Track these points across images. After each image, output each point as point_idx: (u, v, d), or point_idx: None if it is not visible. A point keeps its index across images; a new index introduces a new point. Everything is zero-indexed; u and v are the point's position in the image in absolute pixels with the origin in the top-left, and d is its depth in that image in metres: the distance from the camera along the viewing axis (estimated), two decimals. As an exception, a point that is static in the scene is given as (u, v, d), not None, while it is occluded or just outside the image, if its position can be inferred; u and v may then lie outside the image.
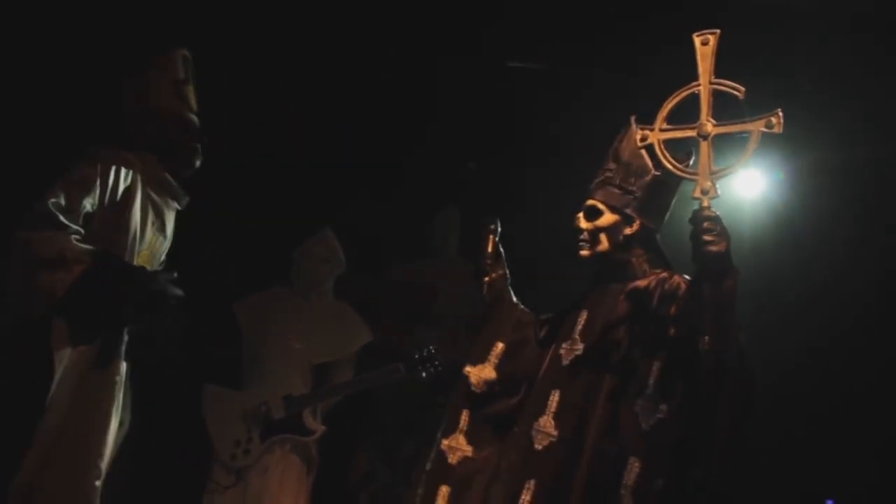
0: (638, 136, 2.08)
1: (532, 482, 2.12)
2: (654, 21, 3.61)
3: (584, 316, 2.27)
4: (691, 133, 1.99)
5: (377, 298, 4.18)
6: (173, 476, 3.86)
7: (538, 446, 2.16)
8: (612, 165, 2.27)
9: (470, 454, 2.28)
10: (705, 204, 1.93)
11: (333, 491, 3.92)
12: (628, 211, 2.25)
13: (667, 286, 2.16)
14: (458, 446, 2.30)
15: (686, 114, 2.05)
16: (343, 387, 3.63)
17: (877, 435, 3.92)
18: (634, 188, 2.24)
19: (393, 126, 4.56)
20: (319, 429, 3.58)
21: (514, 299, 2.48)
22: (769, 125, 1.92)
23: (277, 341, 3.68)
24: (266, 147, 4.21)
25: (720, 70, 2.00)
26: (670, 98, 2.05)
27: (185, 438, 3.71)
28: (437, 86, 4.38)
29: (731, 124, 1.96)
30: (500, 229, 2.49)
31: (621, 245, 2.26)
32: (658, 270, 2.24)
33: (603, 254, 2.27)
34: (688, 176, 2.00)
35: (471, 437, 2.31)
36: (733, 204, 4.11)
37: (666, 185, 2.25)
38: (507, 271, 2.50)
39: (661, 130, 2.05)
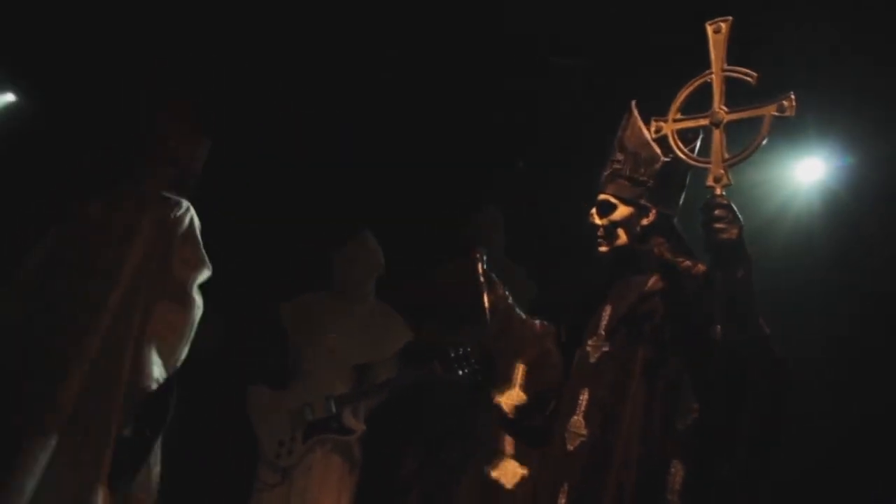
0: (652, 128, 2.05)
1: (566, 485, 2.07)
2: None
3: (607, 311, 2.21)
4: (704, 122, 1.97)
5: (419, 299, 4.17)
6: (224, 475, 3.97)
7: (570, 447, 2.11)
8: (619, 156, 2.21)
9: (526, 474, 2.26)
10: (717, 192, 1.89)
11: (381, 491, 3.94)
12: (642, 201, 2.19)
13: (693, 274, 2.09)
14: (512, 470, 2.28)
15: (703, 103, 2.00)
16: (382, 386, 3.64)
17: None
18: (645, 177, 2.18)
19: (432, 125, 4.57)
20: (360, 428, 3.61)
21: (524, 315, 2.42)
22: (781, 109, 1.88)
23: (320, 342, 3.72)
24: (306, 149, 4.28)
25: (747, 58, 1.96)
26: (683, 88, 2.02)
27: (235, 438, 3.80)
28: (476, 83, 4.36)
29: (743, 110, 1.92)
30: (485, 257, 2.45)
31: (640, 236, 2.20)
32: (681, 259, 2.17)
33: (622, 248, 2.21)
34: (700, 164, 1.96)
35: (521, 459, 2.29)
36: (791, 190, 4.02)
37: (677, 169, 2.19)
38: (507, 292, 2.44)
39: (675, 121, 2.02)
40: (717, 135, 1.92)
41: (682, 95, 2.02)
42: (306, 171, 4.51)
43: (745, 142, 1.95)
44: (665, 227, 2.22)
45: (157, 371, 2.57)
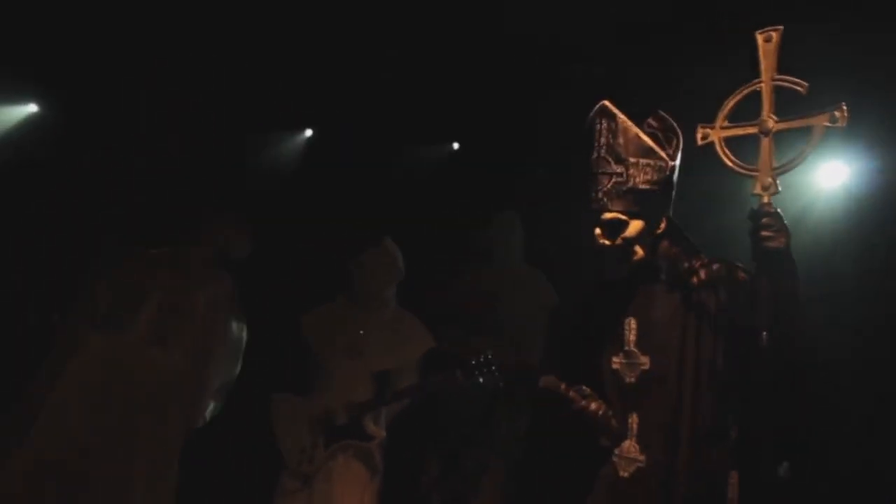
0: (699, 135, 1.98)
1: None
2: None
3: (632, 324, 2.11)
4: (752, 130, 1.93)
5: (441, 306, 4.15)
6: (247, 482, 3.97)
7: (624, 473, 2.05)
8: (617, 168, 2.05)
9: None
10: (765, 200, 1.87)
11: (402, 498, 3.92)
12: (654, 210, 2.10)
13: (722, 275, 2.05)
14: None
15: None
16: (403, 393, 3.61)
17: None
18: (656, 186, 2.07)
19: (451, 128, 4.57)
20: (380, 434, 3.58)
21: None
22: (833, 120, 1.86)
23: (341, 350, 3.69)
24: (322, 154, 4.29)
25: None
26: (732, 95, 1.98)
27: (257, 445, 3.79)
28: (496, 87, 4.35)
29: (793, 120, 1.90)
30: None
31: (653, 247, 2.13)
32: (694, 259, 2.12)
33: (639, 262, 2.11)
34: (748, 173, 1.92)
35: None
36: (814, 194, 3.97)
37: (675, 170, 2.13)
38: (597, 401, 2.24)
39: (722, 128, 1.96)
40: (765, 143, 1.90)
41: (731, 103, 1.97)
42: (322, 177, 4.52)
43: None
44: (673, 230, 2.15)
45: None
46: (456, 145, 5.11)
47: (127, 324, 3.06)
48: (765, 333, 1.83)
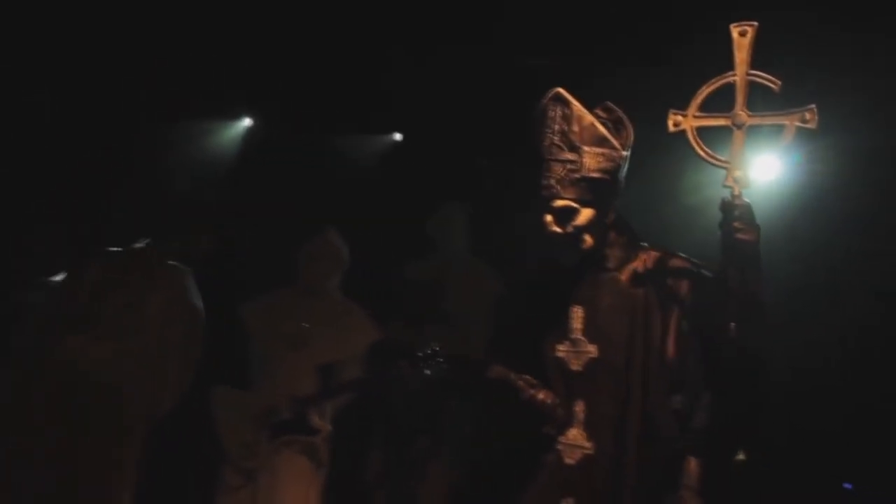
0: (671, 122, 1.96)
1: (570, 500, 2.02)
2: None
3: (579, 312, 2.10)
4: (725, 122, 1.92)
5: (386, 297, 4.10)
6: (187, 477, 3.86)
7: (570, 460, 2.05)
8: (570, 156, 2.02)
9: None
10: (736, 193, 1.86)
11: (348, 491, 3.87)
12: (606, 199, 2.09)
13: (670, 268, 2.06)
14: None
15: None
16: (348, 386, 3.56)
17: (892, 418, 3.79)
18: (607, 176, 2.06)
19: (395, 120, 4.52)
20: (325, 428, 3.52)
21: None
22: (804, 120, 1.87)
23: (283, 342, 3.61)
24: (260, 145, 4.21)
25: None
26: (705, 86, 1.96)
27: (199, 439, 3.69)
28: (442, 79, 4.32)
29: (767, 116, 1.91)
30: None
31: (604, 236, 2.11)
32: (638, 250, 2.13)
33: (588, 251, 2.09)
34: (720, 164, 1.91)
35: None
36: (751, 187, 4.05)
37: (626, 161, 2.12)
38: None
39: (695, 117, 1.94)
40: (738, 136, 1.89)
41: (705, 93, 1.95)
42: (262, 166, 4.43)
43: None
44: (620, 220, 2.15)
45: None
46: (399, 136, 5.06)
47: (88, 323, 3.10)
48: (733, 325, 1.84)
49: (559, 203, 2.05)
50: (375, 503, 3.97)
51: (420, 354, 3.32)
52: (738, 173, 1.87)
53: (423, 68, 4.30)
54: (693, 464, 1.94)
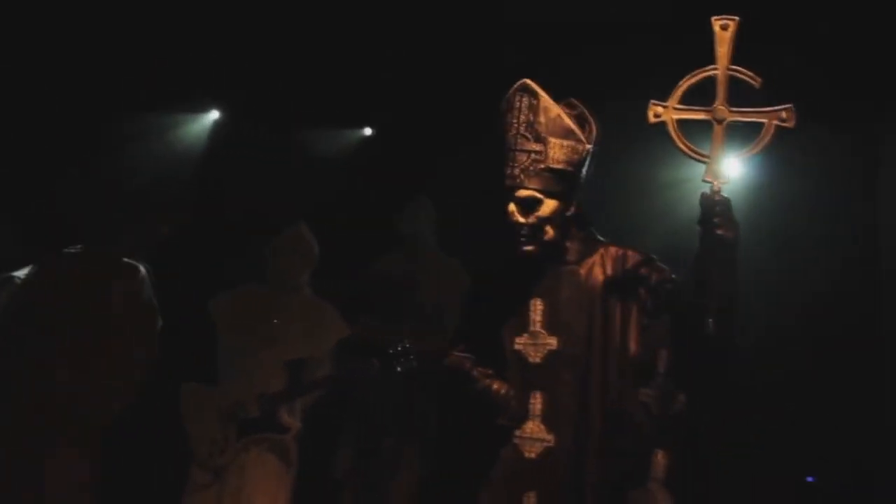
0: (651, 112, 1.92)
1: (532, 494, 1.99)
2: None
3: (538, 305, 2.08)
4: (705, 116, 1.90)
5: (354, 293, 4.06)
6: (154, 475, 3.80)
7: (530, 454, 2.02)
8: (535, 146, 2.01)
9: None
10: (716, 188, 1.84)
11: (317, 489, 3.83)
12: (569, 192, 2.07)
13: (629, 264, 2.05)
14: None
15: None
16: (318, 384, 3.52)
17: (852, 413, 3.86)
18: (571, 167, 2.05)
19: (367, 116, 4.48)
20: (295, 426, 3.46)
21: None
22: (782, 119, 1.86)
23: (252, 338, 3.54)
24: (229, 138, 4.14)
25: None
26: (687, 77, 1.93)
27: (166, 437, 3.63)
28: (411, 73, 4.29)
29: (747, 112, 1.89)
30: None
31: (565, 229, 2.09)
32: (598, 245, 2.12)
33: (549, 243, 2.07)
34: (700, 158, 1.89)
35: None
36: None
37: (589, 155, 2.10)
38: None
39: (675, 109, 1.91)
40: (718, 130, 1.87)
41: (685, 85, 1.92)
42: (231, 160, 4.36)
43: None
44: (582, 215, 2.13)
45: None
46: (369, 131, 5.01)
47: (50, 324, 3.12)
48: (712, 322, 1.83)
49: (523, 193, 2.03)
50: (345, 501, 3.95)
51: (391, 351, 3.30)
52: (719, 168, 1.85)
53: (391, 62, 4.26)
54: (661, 456, 1.95)
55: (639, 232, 3.93)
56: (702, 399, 1.95)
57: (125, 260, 3.28)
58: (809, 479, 3.95)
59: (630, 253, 2.09)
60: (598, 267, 2.07)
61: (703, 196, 1.84)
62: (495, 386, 2.12)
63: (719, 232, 1.80)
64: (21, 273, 3.74)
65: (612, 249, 2.10)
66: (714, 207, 1.82)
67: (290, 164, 4.64)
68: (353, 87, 4.48)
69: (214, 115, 4.88)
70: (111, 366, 3.11)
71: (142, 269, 3.29)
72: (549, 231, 2.05)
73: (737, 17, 1.89)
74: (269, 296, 3.66)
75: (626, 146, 3.64)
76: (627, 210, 4.10)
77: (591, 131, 2.09)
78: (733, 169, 4.08)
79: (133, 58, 4.11)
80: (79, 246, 3.31)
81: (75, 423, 3.07)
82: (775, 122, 1.86)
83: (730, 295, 1.83)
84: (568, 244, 2.10)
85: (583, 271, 2.08)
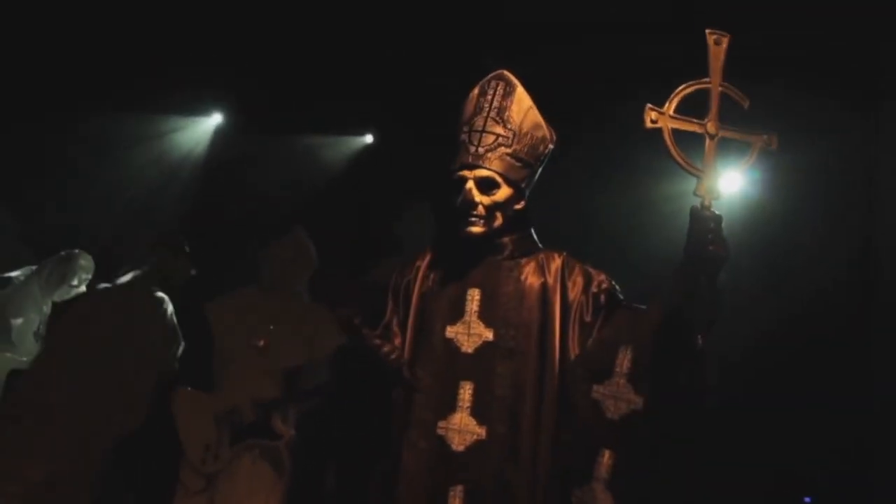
0: (648, 117, 1.85)
1: (459, 488, 1.87)
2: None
3: (475, 294, 1.98)
4: (698, 129, 1.86)
5: (353, 298, 3.98)
6: (144, 478, 3.72)
7: (458, 447, 1.89)
8: (498, 129, 1.96)
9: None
10: (707, 203, 1.79)
11: (310, 498, 3.75)
12: (523, 185, 2.01)
13: (573, 269, 2.01)
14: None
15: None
16: (313, 391, 3.44)
17: (848, 433, 3.79)
18: (531, 160, 2.00)
19: (365, 121, 4.41)
20: (288, 433, 3.38)
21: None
22: (766, 143, 1.88)
23: (248, 344, 3.47)
24: (231, 143, 4.09)
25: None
26: (683, 87, 1.88)
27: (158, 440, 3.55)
28: (412, 80, 4.24)
29: (736, 131, 1.88)
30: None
31: (510, 222, 2.01)
32: (537, 248, 2.06)
33: (497, 231, 2.00)
34: (693, 172, 1.84)
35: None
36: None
37: (548, 155, 2.05)
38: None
39: (671, 117, 1.86)
40: (711, 145, 1.84)
41: (682, 93, 1.88)
42: (231, 164, 4.31)
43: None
44: (526, 214, 2.06)
45: None
46: (369, 138, 4.95)
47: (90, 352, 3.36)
48: (699, 336, 1.79)
49: (483, 172, 1.96)
50: (337, 510, 3.87)
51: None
52: (711, 182, 1.81)
53: (393, 70, 4.21)
54: (607, 456, 1.85)
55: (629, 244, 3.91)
56: (665, 407, 1.86)
57: (154, 292, 3.54)
58: (807, 499, 3.87)
59: (571, 259, 2.04)
60: (538, 269, 2.01)
61: (694, 210, 1.80)
62: (386, 348, 1.98)
63: (711, 248, 1.75)
64: (19, 273, 3.71)
65: (553, 254, 2.05)
66: (707, 223, 1.77)
67: (290, 168, 4.58)
68: (355, 93, 4.42)
69: (217, 118, 4.82)
70: (137, 387, 3.36)
71: (166, 299, 3.54)
72: (499, 218, 1.99)
73: (728, 35, 1.88)
74: (266, 301, 3.59)
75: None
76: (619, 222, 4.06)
77: (553, 137, 2.06)
78: (727, 185, 4.08)
79: (136, 61, 4.05)
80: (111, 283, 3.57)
81: (87, 445, 3.27)
82: (760, 145, 1.87)
83: (715, 311, 1.80)
84: (506, 239, 2.03)
85: (521, 267, 2.01)
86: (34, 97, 4.08)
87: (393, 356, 1.97)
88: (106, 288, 3.60)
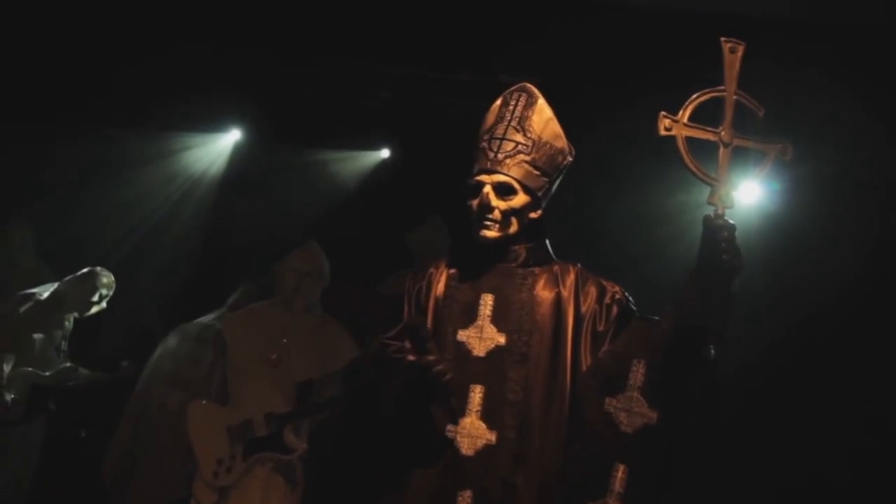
0: (661, 124, 1.81)
1: (467, 492, 1.82)
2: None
3: (488, 300, 1.94)
4: (712, 137, 1.81)
5: (367, 312, 3.94)
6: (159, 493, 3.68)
7: (467, 451, 1.84)
8: (518, 137, 1.94)
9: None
10: (720, 212, 1.75)
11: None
12: (540, 195, 1.98)
13: (586, 281, 1.97)
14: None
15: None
16: (326, 404, 3.39)
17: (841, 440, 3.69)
18: (549, 170, 1.98)
19: (380, 136, 4.39)
20: (301, 447, 3.34)
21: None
22: (782, 153, 1.85)
23: (261, 357, 3.44)
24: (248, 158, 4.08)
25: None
26: (698, 94, 1.84)
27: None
28: (426, 95, 4.22)
29: (751, 140, 1.84)
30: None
31: (524, 231, 1.98)
32: (549, 258, 2.03)
33: (512, 237, 1.97)
34: (707, 180, 1.79)
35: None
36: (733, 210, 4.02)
37: (566, 168, 2.03)
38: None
39: (685, 126, 1.81)
40: (725, 154, 1.80)
41: (696, 101, 1.83)
42: (249, 179, 4.30)
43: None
44: (541, 224, 2.03)
45: None
46: (385, 152, 4.93)
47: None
48: (712, 349, 1.75)
49: (500, 178, 1.93)
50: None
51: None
52: (725, 192, 1.77)
53: (408, 85, 4.19)
54: (621, 470, 1.80)
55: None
56: (679, 420, 1.81)
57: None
58: None
59: (585, 272, 2.01)
60: (552, 280, 1.98)
61: (707, 219, 1.75)
62: (441, 367, 1.84)
63: (724, 257, 1.71)
64: (41, 289, 3.72)
65: (568, 266, 2.02)
66: (720, 232, 1.72)
67: (306, 183, 4.57)
68: (370, 108, 4.41)
69: (236, 135, 4.82)
70: None
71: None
72: (514, 224, 1.96)
73: (743, 43, 1.84)
74: (280, 314, 3.56)
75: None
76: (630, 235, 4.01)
77: (571, 151, 2.05)
78: (743, 195, 4.01)
79: (151, 77, 4.05)
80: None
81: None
82: (776, 155, 1.83)
83: (727, 322, 1.76)
84: (521, 246, 2.00)
85: (537, 278, 1.98)
86: (49, 113, 4.09)
87: (446, 377, 1.85)
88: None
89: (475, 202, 1.95)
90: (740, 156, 1.87)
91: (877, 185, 3.86)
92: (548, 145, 1.97)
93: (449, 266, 2.05)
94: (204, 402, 3.46)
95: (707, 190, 1.80)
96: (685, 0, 3.19)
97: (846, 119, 3.64)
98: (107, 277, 3.89)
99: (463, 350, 1.92)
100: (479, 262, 2.00)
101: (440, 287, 2.01)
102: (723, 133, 1.80)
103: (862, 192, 3.94)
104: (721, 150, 1.81)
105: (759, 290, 3.78)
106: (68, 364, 3.82)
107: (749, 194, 4.02)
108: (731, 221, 1.75)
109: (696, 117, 1.84)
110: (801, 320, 3.87)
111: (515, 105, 1.98)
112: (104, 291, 3.89)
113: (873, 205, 3.92)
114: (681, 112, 1.82)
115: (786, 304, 3.90)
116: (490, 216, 1.94)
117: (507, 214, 1.95)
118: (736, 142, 1.81)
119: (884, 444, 3.67)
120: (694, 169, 1.80)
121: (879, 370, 3.76)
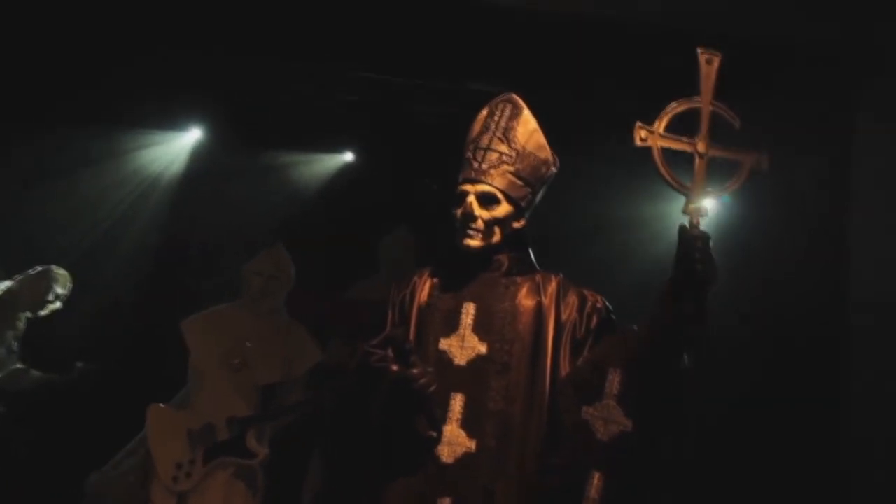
0: (637, 135, 1.80)
1: (447, 500, 1.81)
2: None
3: (470, 308, 1.92)
4: (688, 147, 1.80)
5: (331, 317, 3.87)
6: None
7: (447, 459, 1.83)
8: (503, 147, 1.94)
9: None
10: (695, 222, 1.74)
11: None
12: (523, 205, 1.97)
13: (567, 291, 1.96)
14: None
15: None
16: (289, 409, 3.32)
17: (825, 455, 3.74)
18: (533, 180, 1.97)
19: (349, 145, 4.33)
20: (262, 452, 3.26)
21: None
22: (758, 163, 1.82)
23: (223, 360, 3.35)
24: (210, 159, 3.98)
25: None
26: (674, 105, 1.82)
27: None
28: (393, 101, 4.16)
29: (726, 150, 1.81)
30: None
31: (507, 240, 1.97)
32: (533, 268, 2.01)
33: (494, 247, 1.95)
34: (682, 190, 1.78)
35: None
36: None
37: (550, 179, 2.02)
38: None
39: (661, 136, 1.80)
40: (701, 164, 1.78)
41: (672, 112, 1.81)
42: (210, 181, 4.19)
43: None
44: (523, 234, 2.01)
45: None
46: (350, 156, 4.86)
47: None
48: (686, 357, 1.75)
49: (484, 187, 1.92)
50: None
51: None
52: (700, 202, 1.76)
53: (373, 90, 4.13)
54: (597, 478, 1.79)
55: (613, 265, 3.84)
56: (653, 429, 1.81)
57: None
58: None
59: (567, 282, 2.00)
60: (534, 289, 1.97)
61: (682, 229, 1.74)
62: (427, 379, 1.82)
63: (699, 267, 1.70)
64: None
65: (550, 275, 2.01)
66: (695, 242, 1.72)
67: (270, 186, 4.48)
68: (336, 111, 4.33)
69: (196, 134, 4.69)
70: None
71: None
72: (497, 233, 1.95)
73: (719, 55, 1.82)
74: (243, 317, 3.47)
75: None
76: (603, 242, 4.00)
77: (556, 160, 2.04)
78: (712, 204, 4.05)
79: (109, 75, 3.91)
80: None
81: None
82: (751, 165, 1.81)
83: (701, 331, 1.75)
84: (503, 256, 1.99)
85: (519, 288, 1.97)
86: (2, 111, 3.92)
87: (431, 388, 1.83)
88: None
89: (459, 211, 1.94)
90: (716, 166, 1.87)
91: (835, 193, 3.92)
92: (532, 156, 1.96)
93: (433, 274, 2.03)
94: (162, 405, 3.35)
95: (682, 199, 1.79)
96: (661, 14, 3.19)
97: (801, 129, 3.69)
98: (63, 276, 3.74)
99: (444, 359, 1.90)
100: (462, 271, 1.98)
101: (423, 295, 1.99)
102: (699, 144, 1.80)
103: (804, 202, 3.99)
104: (696, 160, 1.80)
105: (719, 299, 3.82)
106: (19, 365, 3.67)
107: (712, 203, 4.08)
108: (705, 231, 1.74)
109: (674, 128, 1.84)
110: (769, 328, 3.90)
111: (500, 115, 1.97)
112: (60, 290, 3.75)
113: (814, 216, 3.99)
114: (656, 122, 1.81)
115: (744, 313, 3.93)
116: (473, 225, 1.93)
117: (489, 224, 1.94)
118: (712, 152, 1.80)
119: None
120: (669, 179, 1.79)
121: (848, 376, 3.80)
